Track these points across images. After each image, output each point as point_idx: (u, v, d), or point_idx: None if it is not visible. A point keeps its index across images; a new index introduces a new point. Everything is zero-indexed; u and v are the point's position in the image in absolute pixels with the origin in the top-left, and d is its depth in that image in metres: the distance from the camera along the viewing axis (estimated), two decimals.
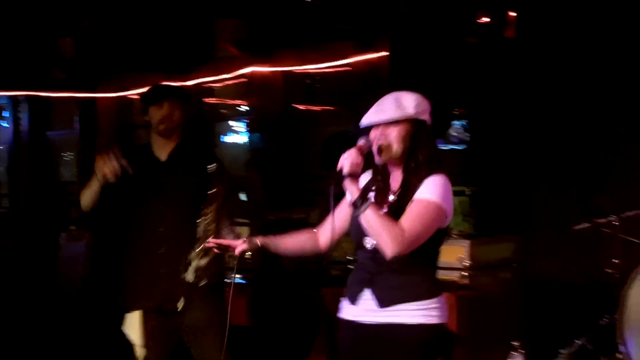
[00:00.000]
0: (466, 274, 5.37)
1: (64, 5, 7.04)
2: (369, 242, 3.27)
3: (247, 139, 8.96)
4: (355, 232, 3.34)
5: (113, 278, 4.60)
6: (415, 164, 3.26)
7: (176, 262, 4.23)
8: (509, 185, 6.83)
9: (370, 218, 3.12)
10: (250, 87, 8.35)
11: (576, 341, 5.28)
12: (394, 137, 3.26)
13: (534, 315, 5.91)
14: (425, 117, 3.32)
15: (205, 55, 8.04)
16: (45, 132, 10.50)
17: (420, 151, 3.27)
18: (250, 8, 7.19)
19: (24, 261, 9.30)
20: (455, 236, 5.63)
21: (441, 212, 3.21)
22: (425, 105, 3.34)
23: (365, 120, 3.32)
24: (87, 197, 4.28)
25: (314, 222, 6.88)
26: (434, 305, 3.24)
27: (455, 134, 7.59)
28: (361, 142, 3.26)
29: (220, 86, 8.64)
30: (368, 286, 3.27)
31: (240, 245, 3.55)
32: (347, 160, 3.17)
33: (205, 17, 7.66)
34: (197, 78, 8.42)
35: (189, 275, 4.24)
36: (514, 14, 6.46)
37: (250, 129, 8.43)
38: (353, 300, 3.32)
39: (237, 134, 9.50)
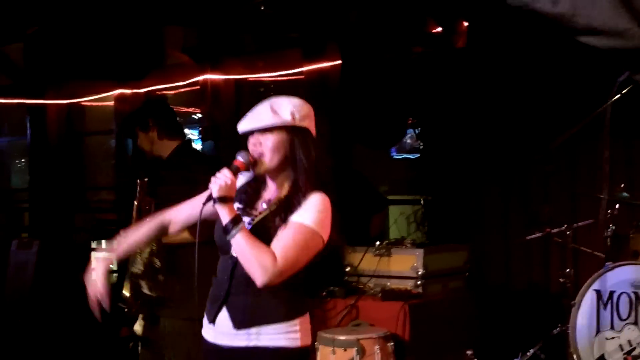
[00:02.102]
0: (419, 282, 5.35)
1: (12, 11, 6.94)
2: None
3: (201, 147, 8.91)
4: (217, 236, 3.06)
5: (62, 286, 4.57)
6: (295, 178, 2.99)
7: None
8: (460, 194, 6.85)
9: (241, 244, 2.88)
10: (203, 95, 8.30)
11: (530, 350, 5.30)
12: (268, 146, 2.99)
13: (486, 324, 5.93)
14: (306, 123, 3.05)
15: (155, 62, 7.97)
16: None
17: (301, 162, 2.99)
18: (200, 15, 7.15)
19: None
20: (408, 245, 5.62)
21: (318, 240, 2.93)
22: (305, 110, 3.06)
23: (240, 128, 3.04)
24: None
25: None
26: (294, 328, 2.99)
27: (409, 142, 7.61)
28: (238, 158, 3.00)
29: (173, 94, 8.57)
30: (224, 305, 3.02)
31: (101, 282, 3.13)
32: (217, 183, 2.91)
33: (154, 24, 7.59)
34: (150, 85, 8.35)
35: None
36: (465, 24, 6.49)
37: (203, 137, 8.37)
38: (210, 318, 3.08)
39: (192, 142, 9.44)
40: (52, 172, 9.23)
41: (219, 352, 3.04)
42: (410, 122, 7.14)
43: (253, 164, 3.00)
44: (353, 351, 4.72)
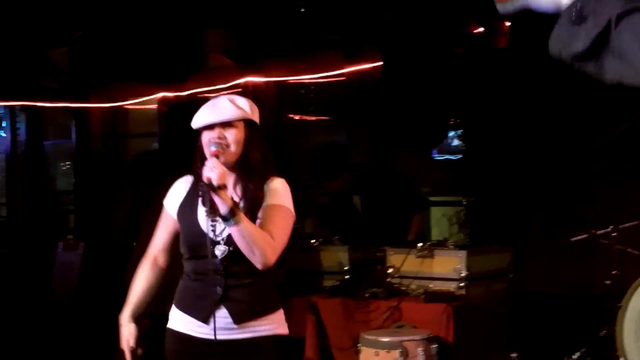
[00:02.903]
0: (463, 284, 5.31)
1: (56, 16, 7.04)
2: (219, 252, 3.10)
3: None
4: (195, 242, 3.16)
5: (106, 286, 4.66)
6: (251, 167, 3.15)
7: None
8: (502, 195, 6.80)
9: (245, 229, 3.00)
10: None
11: (576, 353, 5.25)
12: (233, 138, 3.13)
13: (530, 326, 5.87)
14: (257, 119, 3.24)
15: (197, 65, 8.03)
16: (41, 141, 10.52)
17: (254, 153, 3.17)
18: (240, 18, 7.19)
19: (20, 269, 9.32)
20: (451, 246, 5.58)
21: (293, 217, 3.20)
22: (255, 107, 3.26)
23: (203, 121, 3.14)
24: None
25: (308, 231, 6.90)
26: (282, 316, 3.25)
27: (452, 143, 7.58)
28: (213, 149, 3.10)
29: (215, 96, 8.63)
30: (221, 302, 3.12)
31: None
32: (215, 172, 3.00)
33: (195, 27, 7.65)
34: (192, 88, 8.40)
35: None
36: (507, 24, 6.44)
37: None
38: (202, 318, 3.14)
39: None
40: (96, 175, 9.33)
41: (214, 345, 3.10)
42: (451, 123, 7.11)
43: (223, 154, 3.11)
44: (396, 353, 4.71)
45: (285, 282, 5.52)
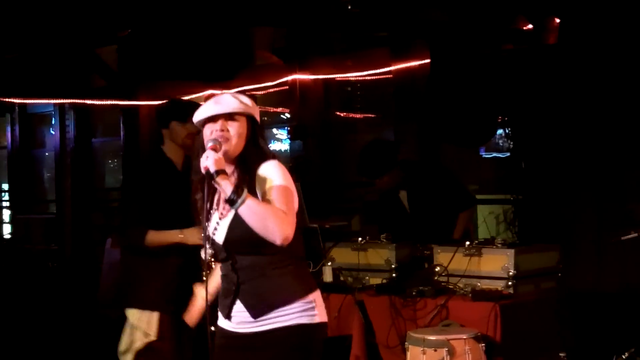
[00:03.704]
0: (511, 283, 5.28)
1: (105, 15, 7.13)
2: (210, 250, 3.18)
3: (289, 147, 8.99)
4: (210, 248, 3.22)
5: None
6: (250, 162, 3.16)
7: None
8: (551, 193, 6.75)
9: (253, 207, 3.00)
10: (291, 95, 8.38)
11: (625, 353, 5.19)
12: (234, 131, 3.15)
13: (579, 326, 5.82)
14: (257, 115, 3.25)
15: (245, 63, 8.09)
16: (90, 139, 10.66)
17: (254, 149, 3.19)
18: (288, 16, 7.22)
19: (69, 266, 9.45)
20: (499, 245, 5.54)
21: (294, 193, 3.13)
22: (255, 104, 3.27)
23: (206, 113, 3.18)
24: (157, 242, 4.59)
25: (355, 229, 6.91)
26: (310, 305, 3.16)
27: (499, 141, 7.53)
28: (210, 144, 3.10)
29: (263, 94, 8.67)
30: (237, 297, 3.16)
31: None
32: (211, 159, 3.02)
33: (243, 25, 7.70)
34: (239, 85, 8.46)
35: None
36: (557, 20, 6.39)
37: (292, 136, 8.45)
38: (225, 314, 3.21)
39: (280, 142, 9.53)
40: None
41: (241, 338, 3.17)
42: (500, 120, 7.06)
43: (221, 148, 3.13)
44: (443, 351, 4.69)
45: (333, 280, 5.53)
